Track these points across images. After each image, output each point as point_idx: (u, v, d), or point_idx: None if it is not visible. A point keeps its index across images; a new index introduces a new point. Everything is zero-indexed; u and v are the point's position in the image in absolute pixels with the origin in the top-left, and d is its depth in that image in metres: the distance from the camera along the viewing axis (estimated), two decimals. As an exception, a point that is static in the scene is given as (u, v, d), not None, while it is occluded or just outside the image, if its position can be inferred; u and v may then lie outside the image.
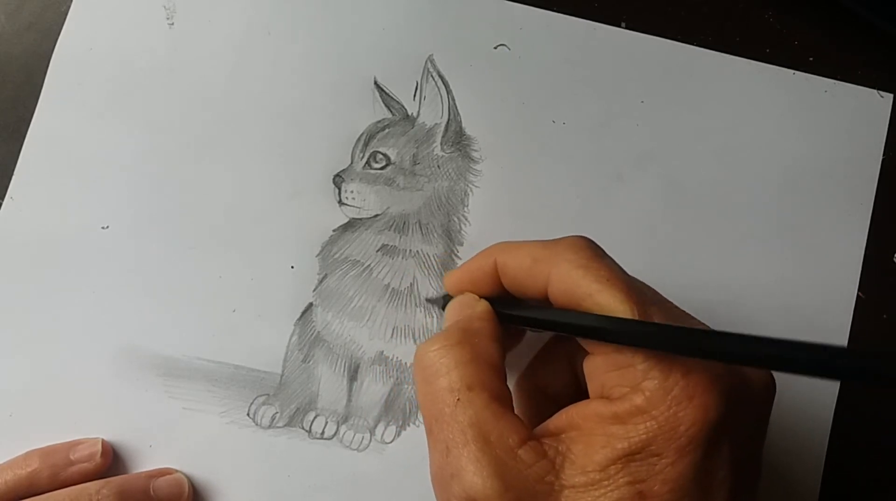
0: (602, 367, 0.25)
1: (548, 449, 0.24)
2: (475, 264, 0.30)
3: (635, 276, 0.27)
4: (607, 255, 0.27)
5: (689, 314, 0.27)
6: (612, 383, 0.24)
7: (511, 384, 0.32)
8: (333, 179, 0.37)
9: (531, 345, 0.33)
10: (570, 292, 0.26)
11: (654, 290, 0.27)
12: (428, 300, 0.36)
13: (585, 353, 0.26)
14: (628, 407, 0.23)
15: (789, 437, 0.36)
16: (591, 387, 0.26)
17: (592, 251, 0.26)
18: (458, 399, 0.25)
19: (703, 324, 0.26)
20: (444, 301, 0.32)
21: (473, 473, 0.24)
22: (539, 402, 0.31)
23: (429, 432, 0.26)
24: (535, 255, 0.27)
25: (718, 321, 0.36)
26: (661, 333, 0.24)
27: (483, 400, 0.25)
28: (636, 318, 0.24)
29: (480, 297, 0.29)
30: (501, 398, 0.26)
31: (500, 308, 0.29)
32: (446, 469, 0.25)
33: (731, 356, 0.22)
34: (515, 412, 0.31)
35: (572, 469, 0.24)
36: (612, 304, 0.24)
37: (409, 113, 0.38)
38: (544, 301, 0.27)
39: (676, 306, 0.27)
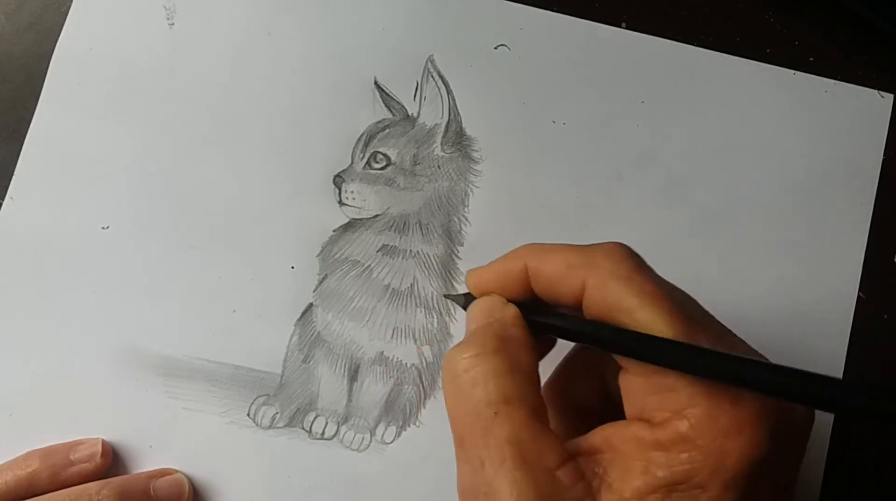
0: (642, 388, 0.24)
1: (585, 471, 0.23)
2: (503, 266, 0.27)
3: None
4: (648, 266, 0.25)
5: (734, 334, 0.25)
6: (654, 406, 0.23)
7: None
8: (333, 179, 0.37)
9: (557, 351, 0.31)
10: (609, 304, 0.24)
11: (699, 305, 0.26)
12: (446, 297, 0.35)
13: (619, 368, 0.25)
14: (671, 434, 0.22)
15: (789, 437, 0.36)
16: (628, 407, 0.24)
17: (634, 261, 0.25)
18: (496, 413, 0.23)
19: (748, 345, 0.25)
20: (465, 300, 0.30)
21: (509, 495, 0.22)
22: (566, 413, 0.30)
23: (459, 443, 0.24)
24: (571, 260, 0.25)
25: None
26: (709, 359, 0.22)
27: (522, 416, 0.23)
28: (681, 339, 0.23)
29: (508, 301, 0.27)
30: (539, 413, 0.24)
31: (528, 314, 0.27)
32: (479, 486, 0.23)
33: (787, 393, 0.21)
34: (560, 404, 0.29)
35: (609, 493, 0.22)
36: (655, 322, 0.23)
37: (410, 113, 0.38)
38: (576, 310, 0.26)
39: (721, 324, 0.25)
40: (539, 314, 0.27)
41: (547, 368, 0.30)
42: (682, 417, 0.22)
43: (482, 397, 0.24)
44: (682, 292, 0.25)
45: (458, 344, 0.26)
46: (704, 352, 0.22)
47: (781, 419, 0.23)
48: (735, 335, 0.25)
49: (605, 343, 0.25)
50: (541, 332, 0.27)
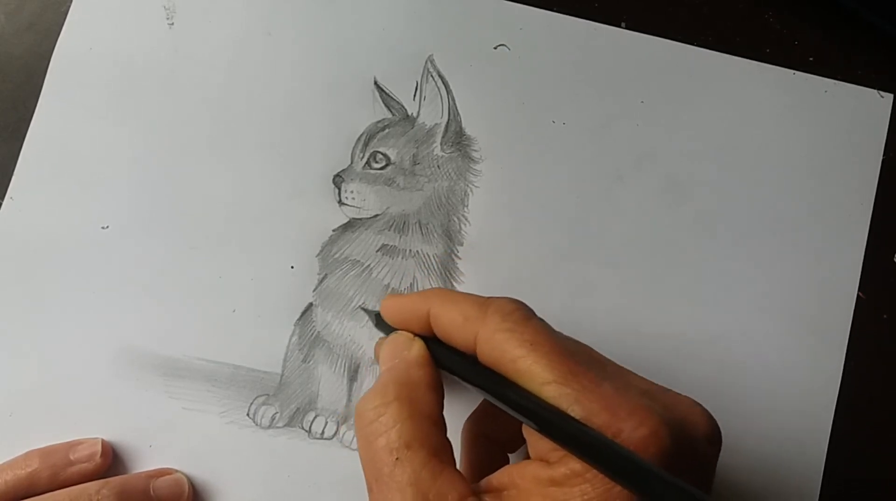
0: (536, 432, 0.25)
1: None
2: (412, 305, 0.29)
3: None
4: (536, 317, 0.27)
5: (630, 372, 0.27)
6: (548, 448, 0.24)
7: (460, 429, 0.32)
8: (333, 179, 0.37)
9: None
10: (495, 355, 0.26)
11: (585, 349, 0.27)
12: (362, 309, 0.36)
13: None
14: (565, 471, 0.24)
15: (789, 437, 0.36)
16: (530, 448, 0.26)
17: (521, 314, 0.26)
18: (397, 459, 0.25)
19: (647, 381, 0.26)
20: (375, 318, 0.31)
21: None
22: (489, 448, 0.31)
23: (369, 490, 0.26)
24: (467, 313, 0.27)
25: (719, 322, 0.36)
26: (557, 423, 0.24)
27: (421, 458, 0.25)
28: (560, 383, 0.24)
29: (416, 335, 0.29)
30: (441, 453, 0.26)
31: (438, 349, 0.28)
32: None
33: (607, 467, 0.23)
34: (465, 458, 0.31)
35: None
36: (534, 370, 0.24)
37: (409, 113, 0.38)
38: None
39: (616, 365, 0.27)
40: (444, 349, 0.28)
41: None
42: (573, 456, 0.24)
43: (384, 445, 0.25)
44: (572, 341, 0.27)
45: (366, 393, 0.27)
46: (554, 416, 0.24)
47: (676, 445, 0.23)
48: (631, 373, 0.26)
49: (490, 394, 0.26)
50: (444, 370, 0.28)
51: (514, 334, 0.25)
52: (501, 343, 0.25)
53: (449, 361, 0.28)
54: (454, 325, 0.27)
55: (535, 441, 0.25)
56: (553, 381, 0.24)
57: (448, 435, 0.27)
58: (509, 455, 0.32)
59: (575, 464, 0.23)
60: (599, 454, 0.23)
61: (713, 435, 0.26)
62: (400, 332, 0.30)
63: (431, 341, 0.29)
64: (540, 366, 0.24)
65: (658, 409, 0.24)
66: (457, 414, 0.32)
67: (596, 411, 0.23)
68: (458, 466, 0.30)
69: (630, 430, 0.23)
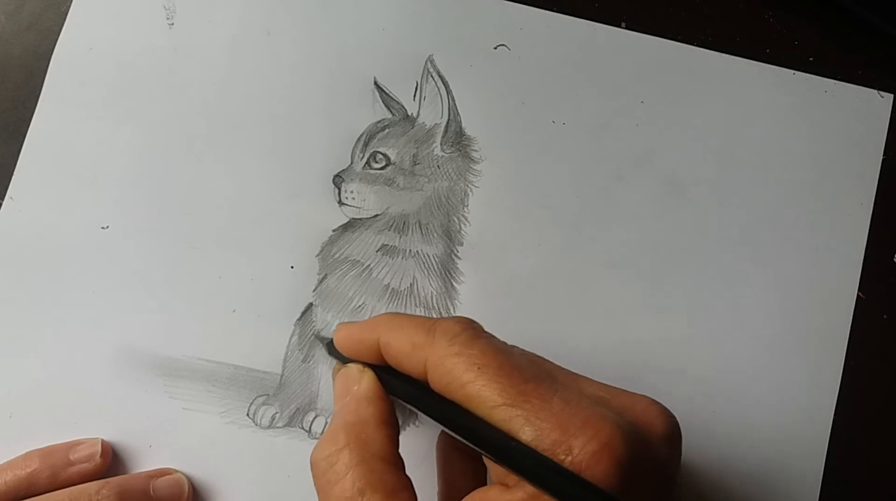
0: None
1: None
2: (362, 334, 0.29)
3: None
4: (483, 336, 0.26)
5: (585, 378, 0.27)
6: (505, 470, 0.24)
7: (434, 444, 0.32)
8: (333, 179, 0.37)
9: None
10: (445, 382, 0.25)
11: (536, 361, 0.27)
12: (316, 337, 0.36)
13: None
14: (522, 495, 0.23)
15: (789, 437, 0.36)
16: (490, 471, 0.26)
17: (467, 335, 0.26)
18: None
19: (604, 386, 0.26)
20: (328, 347, 0.31)
21: None
22: (464, 462, 0.31)
23: None
24: (414, 340, 0.27)
25: (719, 322, 0.36)
26: (504, 449, 0.24)
27: None
28: (509, 405, 0.24)
29: (369, 364, 0.29)
30: (398, 492, 0.25)
31: (390, 378, 0.28)
32: None
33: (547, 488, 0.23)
34: (441, 473, 0.31)
35: None
36: (483, 394, 0.24)
37: (409, 113, 0.38)
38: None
39: (568, 373, 0.26)
40: (394, 382, 0.28)
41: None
42: None
43: (339, 493, 0.25)
44: (522, 354, 0.27)
45: (319, 441, 0.27)
46: (497, 441, 0.24)
47: (634, 456, 0.23)
48: (584, 380, 0.26)
49: (442, 422, 0.26)
50: (396, 396, 0.28)
51: (461, 358, 0.25)
52: (450, 369, 0.25)
53: (401, 390, 0.28)
54: (403, 353, 0.27)
55: (493, 464, 0.25)
56: (502, 404, 0.24)
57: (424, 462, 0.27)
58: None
59: (532, 488, 0.23)
60: (544, 478, 0.23)
61: (671, 434, 0.25)
62: (350, 365, 0.29)
63: (384, 370, 0.28)
64: (489, 390, 0.24)
65: (611, 416, 0.24)
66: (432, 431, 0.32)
67: (546, 430, 0.23)
68: (436, 482, 0.30)
69: (581, 445, 0.23)
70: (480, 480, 0.31)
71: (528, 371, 0.25)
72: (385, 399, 0.28)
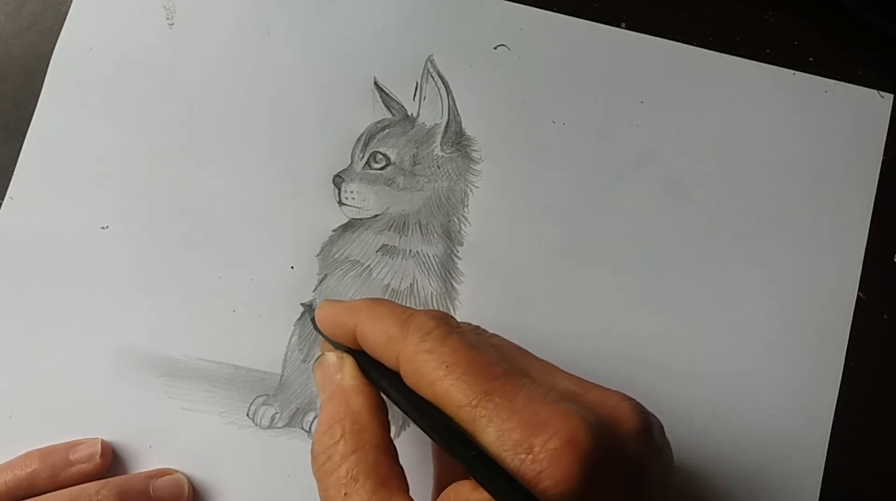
0: None
1: None
2: (342, 318, 0.29)
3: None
4: (456, 332, 0.26)
5: (559, 370, 0.27)
6: None
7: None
8: (333, 179, 0.37)
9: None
10: (415, 378, 0.25)
11: (511, 354, 0.27)
12: (302, 304, 0.36)
13: None
14: (487, 496, 0.23)
15: (789, 437, 0.36)
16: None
17: (439, 332, 0.26)
18: (346, 494, 0.25)
19: (578, 380, 0.26)
20: (312, 320, 0.31)
21: None
22: None
23: None
24: (390, 333, 0.27)
25: (719, 322, 0.36)
26: (462, 453, 0.24)
27: (369, 489, 0.25)
28: (475, 403, 0.24)
29: (348, 349, 0.29)
30: (391, 480, 0.26)
31: (366, 366, 0.28)
32: None
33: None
34: (436, 460, 0.31)
35: None
36: (450, 393, 0.24)
37: (409, 113, 0.38)
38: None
39: (543, 364, 0.27)
40: (372, 371, 0.28)
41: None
42: None
43: (333, 482, 0.26)
44: (495, 348, 0.27)
45: (315, 435, 0.27)
46: (458, 444, 0.24)
47: (586, 453, 0.23)
48: (558, 373, 0.27)
49: (409, 415, 0.26)
50: (373, 384, 0.28)
51: (431, 355, 0.25)
52: (420, 367, 0.25)
53: (378, 380, 0.28)
54: (378, 344, 0.27)
55: None
56: (467, 404, 0.24)
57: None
58: None
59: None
60: (496, 486, 0.23)
61: (640, 430, 0.25)
62: (328, 354, 0.29)
63: (362, 356, 0.29)
64: (455, 389, 0.24)
65: (577, 410, 0.24)
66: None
67: (508, 430, 0.23)
68: (432, 470, 0.30)
69: (542, 443, 0.23)
70: None
71: (498, 368, 0.25)
72: (370, 386, 0.28)
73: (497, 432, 0.23)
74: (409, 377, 0.26)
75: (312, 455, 0.27)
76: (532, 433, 0.23)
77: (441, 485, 0.30)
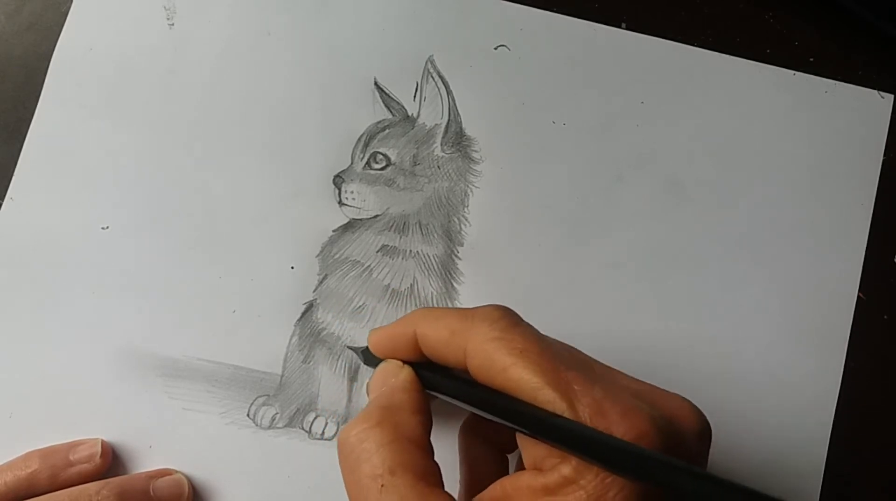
0: (531, 439, 0.25)
1: None
2: (397, 330, 0.29)
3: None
4: (523, 323, 0.26)
5: (618, 371, 0.27)
6: (542, 454, 0.24)
7: (457, 431, 0.32)
8: (333, 179, 0.37)
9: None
10: (485, 366, 0.25)
11: (573, 352, 0.27)
12: (349, 348, 0.36)
13: None
14: (557, 479, 0.23)
15: (789, 437, 0.36)
16: (524, 457, 0.26)
17: (507, 321, 0.26)
18: (382, 485, 0.24)
19: (635, 380, 0.26)
20: (363, 355, 0.31)
21: None
22: (486, 451, 0.31)
23: None
24: (453, 327, 0.27)
25: (719, 322, 0.36)
26: (552, 424, 0.24)
27: (408, 483, 0.24)
28: (550, 388, 0.24)
29: (406, 362, 0.29)
30: (428, 476, 0.25)
31: (427, 373, 0.28)
32: None
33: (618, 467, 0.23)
34: (464, 463, 0.31)
35: None
36: (525, 377, 0.24)
37: (410, 113, 0.38)
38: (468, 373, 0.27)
39: (602, 366, 0.27)
40: (436, 371, 0.28)
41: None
42: (567, 461, 0.24)
43: (368, 471, 0.25)
44: (560, 344, 0.27)
45: (349, 422, 0.27)
46: (553, 420, 0.24)
47: (667, 447, 0.24)
48: (619, 373, 0.26)
49: (485, 409, 0.26)
50: (433, 391, 0.28)
51: (502, 342, 0.25)
52: (491, 353, 0.25)
53: (439, 383, 0.28)
54: (441, 341, 0.27)
55: (529, 449, 0.25)
56: (545, 386, 0.24)
57: (444, 452, 0.26)
58: (508, 456, 0.32)
59: (567, 471, 0.23)
60: (597, 449, 0.23)
61: (703, 431, 0.26)
62: (389, 360, 0.29)
63: (421, 366, 0.28)
64: (530, 372, 0.24)
65: (647, 409, 0.24)
66: (454, 430, 0.32)
67: (588, 415, 0.23)
68: (458, 472, 0.30)
69: (620, 433, 0.23)
70: (503, 467, 0.31)
71: (568, 359, 0.25)
72: (421, 391, 0.28)
73: (576, 416, 0.23)
74: (479, 366, 0.25)
75: (340, 441, 0.26)
76: (611, 421, 0.23)
77: (471, 490, 0.30)
